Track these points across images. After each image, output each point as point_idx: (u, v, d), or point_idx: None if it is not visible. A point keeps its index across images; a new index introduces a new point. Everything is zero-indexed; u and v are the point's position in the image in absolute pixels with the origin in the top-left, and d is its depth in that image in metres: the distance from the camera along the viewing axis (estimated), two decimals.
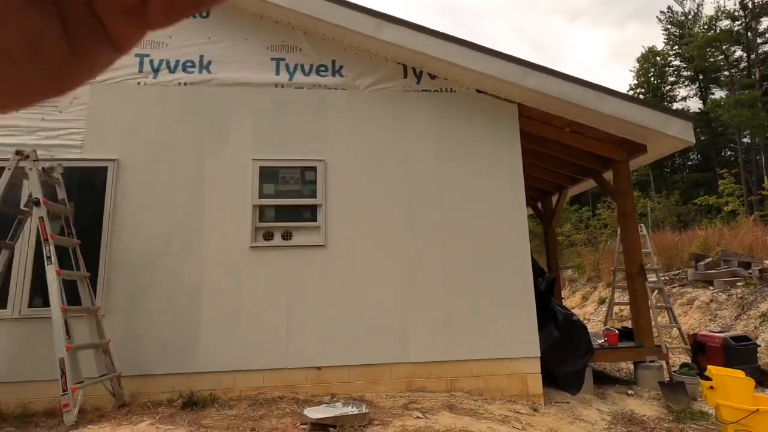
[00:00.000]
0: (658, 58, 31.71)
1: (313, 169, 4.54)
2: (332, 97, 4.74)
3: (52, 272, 3.49)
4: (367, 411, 3.30)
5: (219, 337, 4.17)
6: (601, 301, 11.40)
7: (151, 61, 4.63)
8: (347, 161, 4.63)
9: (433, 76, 4.89)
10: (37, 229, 3.76)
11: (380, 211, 4.56)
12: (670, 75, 31.91)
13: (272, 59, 4.74)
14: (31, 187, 3.73)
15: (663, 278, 7.72)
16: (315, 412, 3.22)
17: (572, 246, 17.88)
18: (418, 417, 3.41)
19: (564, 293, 12.52)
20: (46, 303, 3.88)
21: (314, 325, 4.27)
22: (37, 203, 3.62)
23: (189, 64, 4.66)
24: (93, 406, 3.69)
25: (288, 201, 4.49)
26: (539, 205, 8.82)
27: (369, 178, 4.62)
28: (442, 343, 4.36)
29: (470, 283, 4.51)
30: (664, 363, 5.17)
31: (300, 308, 4.29)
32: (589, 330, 5.27)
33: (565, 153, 5.92)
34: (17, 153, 3.75)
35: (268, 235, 4.44)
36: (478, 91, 4.92)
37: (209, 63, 4.69)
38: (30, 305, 4.06)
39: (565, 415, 4.13)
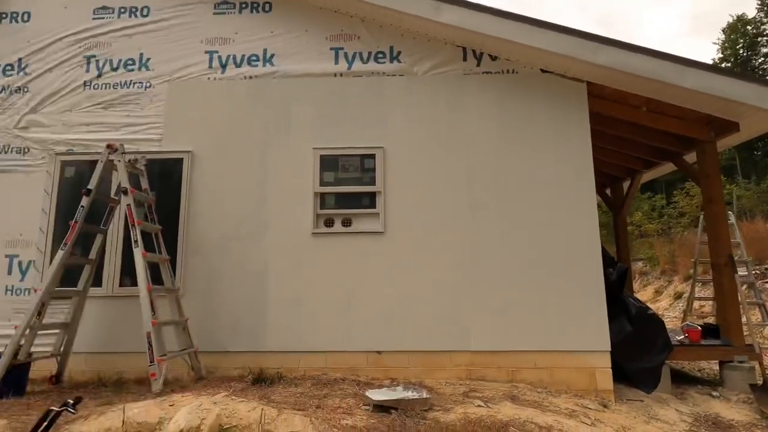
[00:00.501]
0: (748, 27, 28.21)
1: (372, 156, 4.57)
2: (390, 84, 4.73)
3: (138, 255, 3.83)
4: (428, 396, 3.30)
5: (284, 319, 4.36)
6: (677, 296, 10.51)
7: (219, 57, 4.88)
8: (406, 148, 4.60)
9: (494, 58, 4.70)
10: (125, 215, 4.14)
11: (439, 198, 4.50)
12: (763, 45, 28.29)
13: (331, 49, 4.81)
14: (120, 178, 4.11)
15: (754, 272, 6.94)
16: (377, 394, 3.28)
17: (643, 236, 16.60)
18: (479, 405, 3.35)
19: (634, 287, 11.68)
20: (133, 283, 4.27)
21: (374, 310, 4.34)
22: (125, 192, 3.98)
23: (254, 58, 4.86)
24: (174, 378, 4.03)
25: (347, 188, 4.57)
26: (608, 191, 8.26)
27: (428, 164, 4.57)
28: (503, 332, 4.25)
29: (534, 271, 4.33)
30: (757, 364, 4.67)
31: (360, 293, 4.37)
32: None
33: (639, 134, 5.47)
34: (108, 147, 4.14)
35: (329, 222, 4.55)
36: (543, 71, 4.66)
37: (272, 56, 4.85)
38: (120, 285, 4.50)
39: (639, 413, 3.87)
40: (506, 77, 4.69)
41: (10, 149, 4.81)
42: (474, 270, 4.37)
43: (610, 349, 4.19)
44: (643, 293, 11.94)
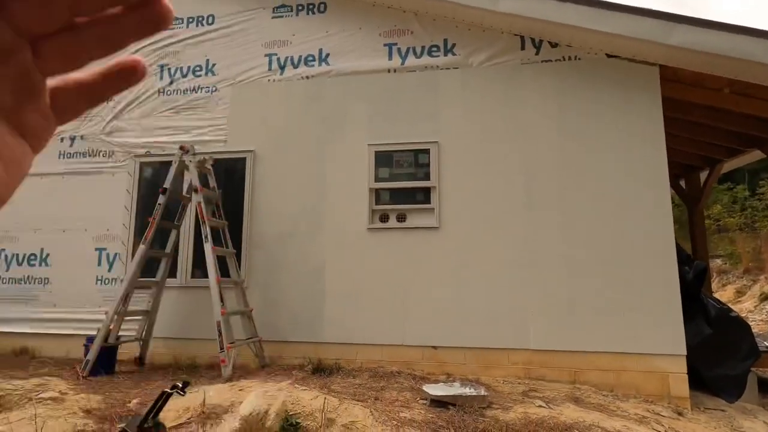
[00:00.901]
0: None
1: (426, 151, 4.55)
2: (444, 78, 4.67)
3: (209, 249, 4.10)
4: (486, 394, 3.26)
5: (341, 312, 4.49)
6: (764, 297, 9.52)
7: (278, 59, 5.08)
8: (461, 142, 4.54)
9: (554, 45, 4.49)
10: (196, 212, 4.45)
11: (496, 192, 4.40)
12: None
13: (385, 45, 4.84)
14: (191, 177, 4.41)
15: None
16: (434, 389, 3.29)
17: (723, 231, 15.14)
18: (540, 406, 3.26)
19: (712, 286, 10.72)
20: (203, 275, 4.59)
21: (430, 305, 4.34)
22: (196, 190, 4.27)
23: (310, 58, 5.00)
24: (241, 364, 4.28)
25: (402, 184, 4.59)
26: (682, 183, 7.62)
27: (483, 158, 4.48)
28: (565, 331, 4.08)
29: (598, 267, 4.12)
30: None
31: (416, 288, 4.39)
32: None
33: (720, 119, 4.99)
34: (180, 148, 4.46)
35: (384, 217, 4.60)
36: (609, 56, 4.38)
37: (327, 55, 4.97)
38: (192, 276, 4.85)
39: (720, 423, 3.57)
40: (567, 64, 4.46)
41: (98, 153, 5.33)
42: (532, 266, 4.23)
43: (685, 353, 3.89)
44: (722, 293, 10.92)
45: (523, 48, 4.56)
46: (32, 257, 5.24)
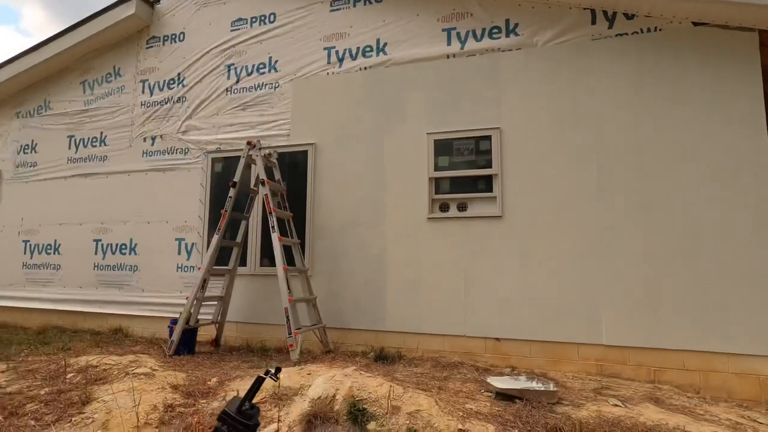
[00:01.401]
0: None
1: (488, 138, 4.41)
2: (506, 60, 4.47)
3: (275, 239, 4.29)
4: (555, 389, 3.13)
5: (402, 301, 4.51)
6: None
7: (337, 52, 5.15)
8: (524, 127, 4.33)
9: (630, 16, 4.12)
10: (263, 203, 4.67)
11: (563, 179, 4.16)
12: None
13: (443, 30, 4.72)
14: (258, 170, 4.63)
15: None
16: (499, 382, 3.21)
17: None
18: (616, 405, 3.07)
19: None
20: (271, 263, 4.83)
21: (493, 296, 4.23)
22: (263, 183, 4.48)
23: (368, 49, 5.01)
24: (306, 349, 4.47)
25: (462, 172, 4.48)
26: None
27: (550, 143, 4.25)
28: (643, 326, 3.80)
29: (683, 259, 3.77)
30: None
31: (478, 279, 4.30)
32: None
33: None
34: (248, 143, 4.69)
35: (444, 207, 4.54)
36: (695, 24, 3.94)
37: (385, 45, 4.95)
38: (260, 265, 5.12)
39: None
40: (646, 37, 4.08)
41: (175, 150, 5.76)
42: (606, 256, 3.96)
43: None
44: None
45: (594, 22, 4.24)
46: (123, 247, 5.81)
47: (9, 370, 3.59)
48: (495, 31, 4.54)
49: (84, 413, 2.76)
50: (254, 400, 1.28)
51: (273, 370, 1.18)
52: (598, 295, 3.95)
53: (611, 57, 4.16)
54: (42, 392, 3.08)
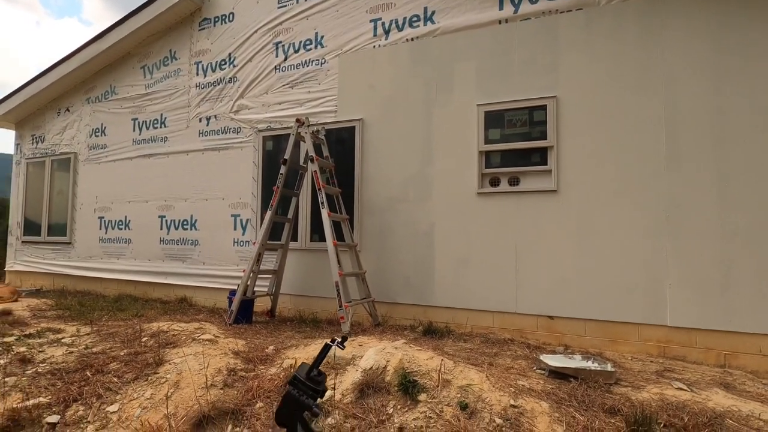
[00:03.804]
0: None
1: (543, 108, 4.17)
2: (565, 22, 4.16)
3: (325, 215, 4.38)
4: (613, 369, 3.01)
5: (451, 276, 4.48)
6: None
7: (383, 24, 5.03)
8: (584, 94, 4.05)
9: None
10: (312, 180, 4.75)
11: (627, 150, 3.87)
12: None
13: None
14: (307, 147, 4.70)
15: None
16: (553, 360, 3.13)
17: None
18: (680, 388, 2.90)
19: None
20: (321, 238, 4.95)
21: (546, 273, 4.09)
22: (312, 160, 4.54)
23: (415, 18, 4.85)
24: (356, 322, 4.58)
25: (515, 145, 4.30)
26: None
27: (612, 111, 3.95)
28: (714, 308, 3.53)
29: (763, 236, 3.42)
30: None
31: (530, 255, 4.17)
32: None
33: None
34: (297, 121, 4.75)
35: (495, 181, 4.39)
36: None
37: (433, 13, 4.76)
38: (311, 240, 5.26)
39: None
40: None
41: (228, 130, 5.97)
42: (674, 233, 3.69)
43: None
44: None
45: None
46: (185, 222, 6.19)
47: (93, 333, 3.99)
48: None
49: (158, 373, 3.02)
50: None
51: (339, 339, 1.21)
52: (664, 274, 3.70)
53: (687, 12, 3.75)
54: (122, 353, 3.40)
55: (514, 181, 4.31)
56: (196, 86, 6.29)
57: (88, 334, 3.96)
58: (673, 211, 3.71)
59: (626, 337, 3.81)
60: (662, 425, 2.32)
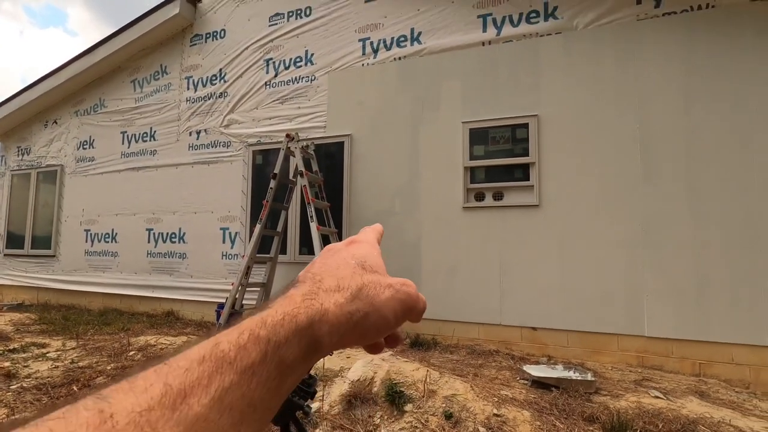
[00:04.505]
0: None
1: (525, 126, 4.34)
2: (545, 45, 4.36)
3: (314, 228, 4.45)
4: (593, 379, 3.11)
5: (438, 288, 4.57)
6: None
7: (372, 43, 5.19)
8: (564, 114, 4.24)
9: None
10: (301, 194, 4.83)
11: (605, 167, 4.05)
12: None
13: (478, 17, 4.65)
14: (296, 162, 4.79)
15: None
16: (535, 370, 3.23)
17: None
18: (657, 397, 3.02)
19: None
20: (310, 251, 5.01)
21: (529, 285, 4.21)
22: (301, 174, 4.63)
23: (402, 38, 5.02)
24: None
25: (498, 161, 4.45)
26: None
27: (591, 129, 4.13)
28: (689, 318, 3.68)
29: (735, 249, 3.60)
30: None
31: (514, 268, 4.29)
32: None
33: None
34: (287, 136, 4.85)
35: (480, 196, 4.53)
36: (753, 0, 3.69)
37: (419, 34, 4.94)
38: (300, 253, 5.31)
39: None
40: (697, 15, 3.86)
41: (218, 144, 6.03)
42: (651, 246, 3.85)
43: None
44: None
45: (639, 2, 4.05)
46: (173, 235, 6.19)
47: (79, 347, 3.97)
48: (533, 15, 4.43)
49: None
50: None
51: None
52: (641, 286, 3.85)
53: (658, 38, 3.97)
54: (108, 368, 3.39)
55: (498, 195, 4.45)
56: (187, 100, 6.35)
57: (73, 349, 3.94)
58: (649, 224, 3.87)
59: (606, 347, 3.93)
60: None
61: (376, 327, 0.35)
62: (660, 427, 2.49)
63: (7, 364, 3.49)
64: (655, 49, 3.97)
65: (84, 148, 7.22)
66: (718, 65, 3.77)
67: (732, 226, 3.63)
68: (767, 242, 3.52)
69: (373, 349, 0.40)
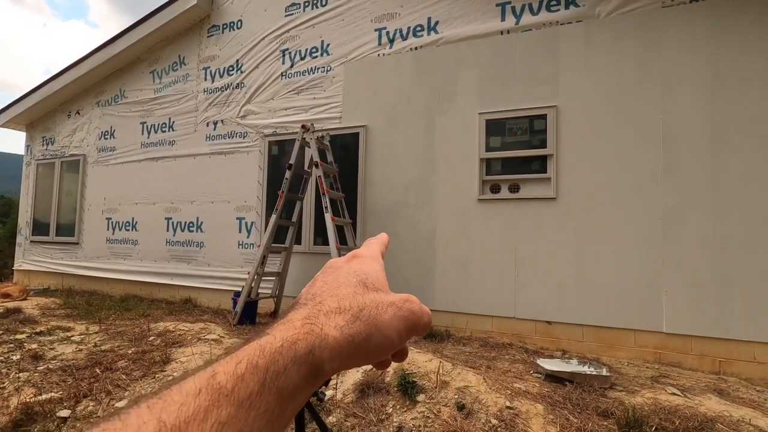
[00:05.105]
0: None
1: (543, 117, 4.26)
2: (565, 34, 4.26)
3: (329, 219, 4.47)
4: (608, 374, 3.08)
5: (451, 281, 4.56)
6: None
7: (388, 33, 5.14)
8: (583, 104, 4.14)
9: None
10: (316, 185, 4.85)
11: (625, 159, 3.96)
12: None
13: (497, 5, 4.56)
14: (312, 153, 4.81)
15: None
16: (549, 364, 3.21)
17: None
18: (674, 393, 2.97)
19: None
20: (324, 242, 5.04)
21: (544, 278, 4.17)
22: (316, 165, 4.65)
23: (418, 28, 4.96)
24: None
25: (515, 153, 4.39)
26: None
27: (611, 120, 4.04)
28: (709, 315, 3.60)
29: (758, 244, 3.49)
30: None
31: (529, 261, 4.24)
32: None
33: None
34: (302, 127, 4.86)
35: (495, 188, 4.48)
36: None
37: (436, 23, 4.87)
38: (314, 243, 5.36)
39: None
40: (726, 2, 3.71)
41: (234, 135, 6.10)
42: (671, 240, 3.76)
43: None
44: None
45: None
46: (191, 225, 6.31)
47: (102, 332, 4.10)
48: (553, 3, 4.32)
49: (165, 371, 3.11)
50: None
51: None
52: (660, 281, 3.77)
53: (683, 26, 3.84)
54: (129, 352, 3.50)
55: (514, 188, 4.40)
56: (204, 91, 6.42)
57: (96, 333, 4.07)
58: (669, 218, 3.78)
59: (623, 342, 3.88)
60: (653, 428, 2.39)
61: (379, 348, 0.34)
62: (677, 424, 2.45)
63: (34, 346, 3.63)
64: (680, 38, 3.84)
65: (105, 138, 7.38)
66: (744, 54, 3.62)
67: (756, 220, 3.52)
68: None
69: (380, 365, 0.39)
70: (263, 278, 4.97)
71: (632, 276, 3.86)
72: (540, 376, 3.16)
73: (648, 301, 3.80)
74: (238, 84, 6.14)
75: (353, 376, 2.89)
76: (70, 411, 2.78)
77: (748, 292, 3.51)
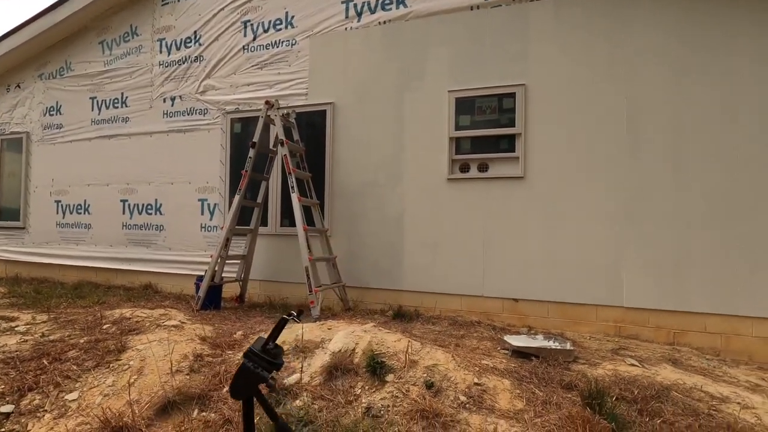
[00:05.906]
0: None
1: (512, 95, 4.23)
2: (535, 11, 4.21)
3: (295, 199, 4.32)
4: (572, 348, 3.15)
5: (421, 261, 4.55)
6: None
7: (355, 5, 4.94)
8: (552, 83, 4.14)
9: None
10: (282, 164, 4.67)
11: (591, 139, 4.00)
12: None
13: None
14: (277, 130, 4.60)
15: None
16: (516, 340, 3.25)
17: None
18: (632, 365, 3.08)
19: None
20: (291, 223, 4.90)
21: (512, 257, 4.22)
22: (282, 143, 4.46)
23: (387, 1, 4.79)
24: (326, 307, 4.60)
25: (484, 132, 4.36)
26: None
27: (578, 100, 4.06)
28: (666, 289, 3.75)
29: (715, 222, 3.64)
30: None
31: (497, 240, 4.27)
32: None
33: None
34: (266, 103, 4.64)
35: (465, 167, 4.45)
36: None
37: None
38: (281, 225, 5.20)
39: None
40: None
41: (194, 111, 5.76)
42: (632, 218, 3.86)
43: None
44: None
45: None
46: (149, 207, 5.98)
47: (50, 321, 3.84)
48: None
49: (120, 360, 2.94)
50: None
51: (295, 313, 1.22)
52: (622, 258, 3.88)
53: (652, 5, 3.87)
54: (81, 341, 3.28)
55: (483, 167, 4.39)
56: (160, 64, 6.01)
57: (44, 322, 3.80)
58: (634, 196, 3.88)
59: (586, 318, 3.99)
60: (614, 398, 2.47)
61: None
62: (635, 393, 2.54)
63: None
64: (648, 20, 3.87)
65: (51, 115, 6.83)
66: (711, 35, 3.70)
67: (715, 199, 3.66)
68: (748, 214, 3.57)
69: None
70: (228, 261, 4.79)
71: (597, 253, 3.96)
72: (507, 352, 3.20)
73: (611, 277, 3.91)
74: (196, 57, 5.78)
75: (321, 358, 2.82)
76: (13, 406, 2.58)
77: (703, 267, 3.67)
